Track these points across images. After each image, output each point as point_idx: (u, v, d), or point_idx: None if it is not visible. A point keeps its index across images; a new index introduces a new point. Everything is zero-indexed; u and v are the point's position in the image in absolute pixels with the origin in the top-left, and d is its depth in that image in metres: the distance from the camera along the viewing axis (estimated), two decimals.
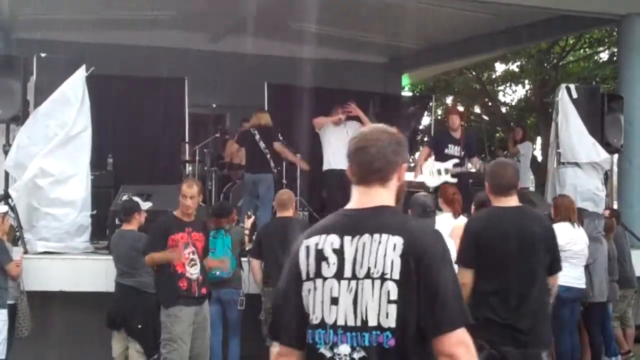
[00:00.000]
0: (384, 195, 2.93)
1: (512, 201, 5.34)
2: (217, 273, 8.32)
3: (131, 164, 12.49)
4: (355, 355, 2.77)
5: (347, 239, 2.85)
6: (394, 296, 2.74)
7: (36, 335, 8.61)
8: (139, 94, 12.89)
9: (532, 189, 15.84)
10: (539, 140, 21.28)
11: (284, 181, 12.37)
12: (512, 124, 22.37)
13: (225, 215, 8.81)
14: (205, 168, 12.43)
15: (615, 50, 16.92)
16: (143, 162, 12.77)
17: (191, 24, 13.59)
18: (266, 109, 12.95)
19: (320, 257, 2.86)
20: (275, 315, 3.07)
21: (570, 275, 8.59)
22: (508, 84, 25.11)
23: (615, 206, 12.35)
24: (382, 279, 2.76)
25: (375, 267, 2.78)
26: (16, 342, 8.30)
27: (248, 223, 9.32)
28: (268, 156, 11.37)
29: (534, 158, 21.32)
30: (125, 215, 8.35)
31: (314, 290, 2.86)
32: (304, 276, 2.89)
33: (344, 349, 2.78)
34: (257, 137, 11.40)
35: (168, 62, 13.48)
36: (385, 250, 2.78)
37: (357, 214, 2.92)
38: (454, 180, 10.72)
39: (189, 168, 12.72)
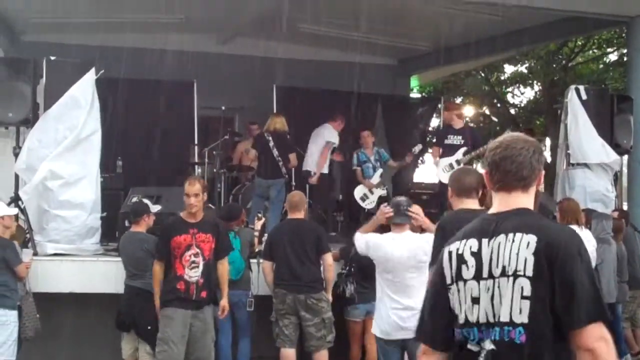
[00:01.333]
0: (524, 200, 3.09)
1: (473, 204, 5.64)
2: None
3: (141, 166, 12.57)
4: (493, 350, 2.92)
5: (484, 241, 3.01)
6: (527, 292, 2.88)
7: (46, 336, 8.63)
8: (148, 97, 12.94)
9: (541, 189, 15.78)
10: (548, 141, 21.22)
11: (293, 183, 12.40)
12: (520, 125, 22.31)
13: (234, 217, 8.86)
14: (214, 170, 12.46)
15: (625, 51, 16.89)
16: (152, 165, 12.83)
17: (200, 26, 13.63)
18: (274, 111, 12.99)
19: (461, 261, 3.05)
20: (422, 318, 3.21)
21: None
22: (517, 86, 25.06)
23: (625, 207, 12.33)
24: (516, 276, 2.91)
25: (509, 265, 2.92)
26: (25, 343, 8.32)
27: (258, 225, 9.35)
28: (280, 163, 11.42)
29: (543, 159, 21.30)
30: (135, 217, 8.39)
31: (457, 292, 3.04)
32: (448, 280, 3.08)
33: (486, 344, 2.93)
34: (271, 143, 11.45)
35: (177, 65, 13.52)
36: (519, 248, 2.91)
37: (496, 217, 3.07)
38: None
39: (198, 170, 12.74)
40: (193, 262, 7.41)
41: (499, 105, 25.20)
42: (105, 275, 8.93)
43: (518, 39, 15.10)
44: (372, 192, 12.47)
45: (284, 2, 12.57)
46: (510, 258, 2.91)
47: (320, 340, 8.29)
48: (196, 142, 13.28)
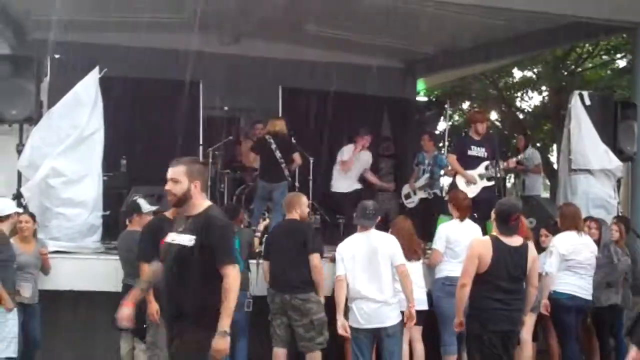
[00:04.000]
0: None
1: None
2: None
3: (145, 165, 12.55)
4: None
5: None
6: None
7: (46, 333, 8.69)
8: (153, 96, 12.98)
9: (545, 195, 15.76)
10: (554, 147, 21.19)
11: (297, 184, 12.41)
12: (528, 131, 22.27)
13: (232, 217, 8.85)
14: (218, 170, 12.48)
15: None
16: (157, 164, 12.73)
17: (206, 26, 13.62)
18: (280, 112, 13.01)
19: None
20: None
21: (576, 284, 8.63)
22: (525, 91, 25.02)
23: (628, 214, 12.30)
24: None
25: None
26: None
27: (262, 225, 9.44)
28: (283, 165, 11.43)
29: (549, 165, 21.27)
30: (127, 216, 8.45)
31: None
32: None
33: None
34: (274, 146, 11.45)
35: (183, 65, 13.52)
36: None
37: None
38: (491, 183, 10.66)
39: None
40: None
41: (506, 110, 25.15)
42: (105, 274, 8.96)
43: (525, 43, 15.07)
44: (415, 193, 12.80)
45: (290, 4, 12.58)
46: None
47: (310, 342, 8.33)
48: (201, 142, 13.29)
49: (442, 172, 12.68)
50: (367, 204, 7.91)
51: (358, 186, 12.77)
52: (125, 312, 5.66)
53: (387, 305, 7.61)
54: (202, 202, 5.45)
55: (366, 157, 12.95)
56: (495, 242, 6.88)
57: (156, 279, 5.72)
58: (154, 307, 7.32)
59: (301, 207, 8.69)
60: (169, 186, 5.39)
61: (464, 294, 6.81)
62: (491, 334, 6.77)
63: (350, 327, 7.63)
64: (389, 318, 7.65)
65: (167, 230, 6.63)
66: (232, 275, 5.19)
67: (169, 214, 7.40)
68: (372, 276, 7.61)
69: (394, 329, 7.69)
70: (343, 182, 12.69)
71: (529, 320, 8.76)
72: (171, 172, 5.40)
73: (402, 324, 7.81)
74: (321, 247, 8.68)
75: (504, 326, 6.86)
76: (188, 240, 5.22)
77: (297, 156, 11.65)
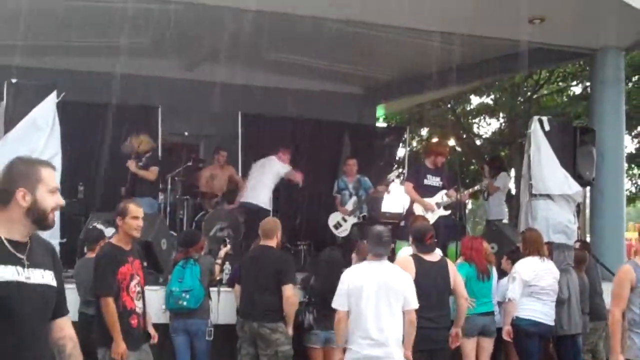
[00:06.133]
0: None
1: None
2: (184, 303, 8.29)
3: (102, 191, 12.38)
4: None
5: None
6: None
7: None
8: (111, 121, 12.81)
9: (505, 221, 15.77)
10: (512, 172, 21.36)
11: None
12: (485, 156, 22.43)
13: (193, 243, 8.73)
14: (177, 196, 12.34)
15: (588, 84, 17.05)
16: (114, 190, 12.62)
17: (166, 52, 13.56)
18: (240, 138, 12.93)
19: None
20: None
21: (539, 310, 8.62)
22: (482, 117, 25.24)
23: (587, 239, 12.38)
24: None
25: None
26: None
27: (222, 252, 9.29)
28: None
29: (508, 190, 21.37)
30: (89, 244, 8.26)
31: None
32: None
33: None
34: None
35: (142, 90, 13.43)
36: None
37: None
38: (447, 212, 10.72)
39: (161, 196, 12.61)
40: (139, 292, 6.65)
41: (464, 136, 25.34)
42: None
43: (483, 69, 15.22)
44: (345, 220, 12.60)
45: (249, 29, 12.54)
46: None
47: None
48: (159, 168, 13.14)
49: (366, 194, 12.77)
50: (381, 229, 7.04)
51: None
52: None
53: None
54: None
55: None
56: (417, 259, 7.16)
57: None
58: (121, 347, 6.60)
59: (278, 234, 8.43)
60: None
61: None
62: (419, 353, 6.75)
63: None
64: None
65: (122, 260, 6.52)
66: None
67: (118, 240, 6.76)
68: (380, 314, 6.62)
69: None
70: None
71: (488, 345, 8.77)
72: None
73: None
74: (295, 278, 8.46)
75: (431, 345, 6.92)
76: None
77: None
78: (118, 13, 11.12)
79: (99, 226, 8.70)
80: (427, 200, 10.78)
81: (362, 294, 6.58)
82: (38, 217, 3.47)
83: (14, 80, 9.56)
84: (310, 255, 12.33)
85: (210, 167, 13.45)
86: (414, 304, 6.67)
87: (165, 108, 13.33)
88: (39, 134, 9.33)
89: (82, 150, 12.13)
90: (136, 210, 6.70)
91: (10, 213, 3.45)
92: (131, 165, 11.51)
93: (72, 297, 8.16)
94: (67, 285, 8.39)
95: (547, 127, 11.29)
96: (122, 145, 12.20)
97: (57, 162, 9.41)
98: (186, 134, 13.42)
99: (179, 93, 14.00)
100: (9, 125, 9.40)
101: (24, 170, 3.53)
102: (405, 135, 17.95)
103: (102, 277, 6.61)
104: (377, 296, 6.56)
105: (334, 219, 12.76)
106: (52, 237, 9.27)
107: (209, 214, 12.48)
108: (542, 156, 11.22)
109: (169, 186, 12.42)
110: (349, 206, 12.67)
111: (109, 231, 8.52)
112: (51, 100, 9.50)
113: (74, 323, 7.84)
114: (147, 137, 11.78)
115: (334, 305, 6.74)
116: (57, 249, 9.13)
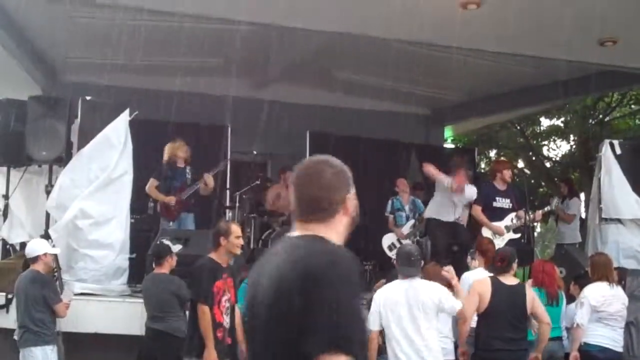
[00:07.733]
0: None
1: None
2: None
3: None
4: None
5: None
6: None
7: None
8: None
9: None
10: (582, 196, 21.03)
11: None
12: (555, 179, 22.13)
13: (162, 257, 8.66)
14: (245, 214, 12.45)
15: None
16: None
17: (235, 71, 13.73)
18: (307, 157, 12.97)
19: None
20: None
21: (607, 336, 8.45)
22: (552, 139, 24.91)
23: None
24: None
25: None
26: None
27: None
28: None
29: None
30: (157, 259, 8.37)
31: None
32: None
33: None
34: None
35: (212, 109, 13.61)
36: None
37: None
38: (517, 235, 10.60)
39: (229, 214, 12.74)
40: (228, 308, 7.11)
41: (534, 158, 25.05)
42: (130, 317, 8.90)
43: (553, 91, 15.05)
44: (400, 242, 12.06)
45: (319, 50, 12.64)
46: None
47: None
48: (228, 186, 13.29)
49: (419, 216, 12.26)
50: (410, 249, 7.13)
51: None
52: None
53: None
54: None
55: None
56: (494, 281, 7.35)
57: None
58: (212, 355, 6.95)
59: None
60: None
61: None
62: None
63: None
64: None
65: (219, 274, 6.89)
66: None
67: (217, 257, 7.20)
68: (413, 332, 6.64)
69: None
70: None
71: None
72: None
73: None
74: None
75: None
76: None
77: None
78: (190, 33, 11.33)
79: (167, 242, 8.79)
80: (495, 224, 10.65)
81: (394, 314, 6.67)
82: None
83: (88, 98, 9.78)
84: (376, 276, 12.27)
85: (277, 185, 13.52)
86: (457, 305, 6.80)
87: (234, 127, 13.49)
88: (112, 151, 9.53)
89: (152, 167, 12.30)
90: (238, 230, 7.30)
91: None
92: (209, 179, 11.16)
93: (139, 310, 8.34)
94: (138, 300, 8.69)
95: (618, 151, 11.11)
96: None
97: (129, 179, 9.64)
98: (254, 152, 13.52)
99: (248, 112, 14.12)
100: (83, 141, 9.62)
101: None
102: (475, 157, 17.77)
103: (202, 285, 7.04)
104: (411, 315, 6.64)
105: (388, 240, 12.44)
106: (123, 252, 9.50)
107: (275, 232, 12.56)
108: (613, 180, 11.04)
109: (237, 204, 12.53)
110: (406, 229, 12.38)
111: (176, 247, 8.63)
112: (124, 118, 9.70)
113: (140, 337, 8.08)
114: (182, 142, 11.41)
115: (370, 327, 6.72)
116: (127, 264, 9.42)
